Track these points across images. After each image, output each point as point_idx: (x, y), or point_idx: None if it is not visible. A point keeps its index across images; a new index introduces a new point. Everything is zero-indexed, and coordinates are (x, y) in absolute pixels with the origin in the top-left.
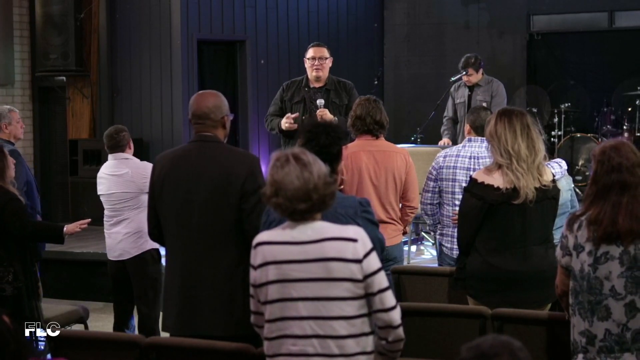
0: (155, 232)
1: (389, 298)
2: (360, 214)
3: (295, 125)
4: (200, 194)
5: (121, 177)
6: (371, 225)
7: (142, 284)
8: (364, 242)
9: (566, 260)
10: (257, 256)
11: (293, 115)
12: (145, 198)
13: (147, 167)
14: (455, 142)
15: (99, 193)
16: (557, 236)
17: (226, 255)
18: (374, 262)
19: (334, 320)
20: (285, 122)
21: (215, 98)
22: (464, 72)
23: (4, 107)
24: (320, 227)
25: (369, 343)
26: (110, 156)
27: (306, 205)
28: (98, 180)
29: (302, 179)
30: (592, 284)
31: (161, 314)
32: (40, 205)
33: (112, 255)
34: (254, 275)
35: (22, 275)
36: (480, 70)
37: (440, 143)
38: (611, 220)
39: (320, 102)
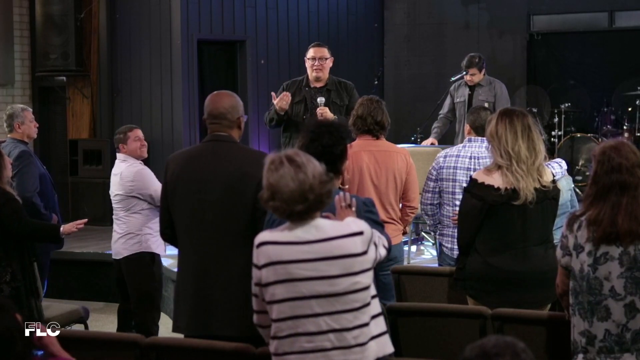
0: (167, 232)
1: (382, 243)
2: (363, 214)
3: (286, 103)
4: (215, 194)
5: (116, 177)
6: (375, 225)
7: (132, 285)
8: (366, 230)
9: (566, 260)
10: (261, 256)
11: (285, 97)
12: (135, 202)
13: (136, 171)
14: (445, 142)
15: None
16: (557, 236)
17: (240, 255)
18: (373, 242)
19: (348, 313)
20: (277, 103)
21: (232, 98)
22: (465, 72)
23: (18, 106)
24: (323, 226)
25: (378, 325)
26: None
27: (303, 206)
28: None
29: (297, 181)
30: (592, 284)
31: (162, 315)
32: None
33: (113, 254)
34: (259, 275)
35: (20, 275)
36: (483, 71)
37: (425, 142)
38: (611, 220)
39: (320, 100)
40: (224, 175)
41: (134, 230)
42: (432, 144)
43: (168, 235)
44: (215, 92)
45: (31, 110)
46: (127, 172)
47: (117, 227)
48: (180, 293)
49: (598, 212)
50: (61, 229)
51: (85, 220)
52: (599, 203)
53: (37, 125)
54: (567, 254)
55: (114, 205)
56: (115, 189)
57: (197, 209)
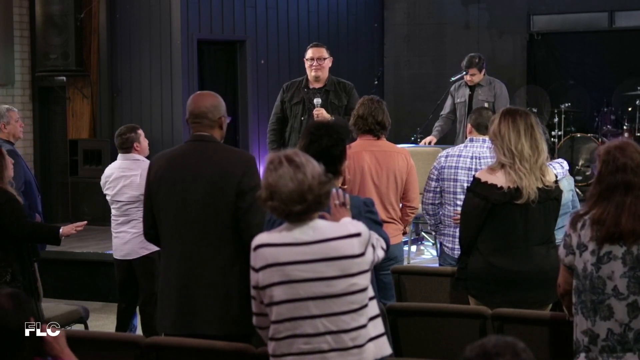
0: (151, 232)
1: (380, 244)
2: (364, 214)
3: None
4: (197, 193)
5: (130, 178)
6: (375, 225)
7: (149, 283)
8: (364, 232)
9: (569, 260)
10: (258, 259)
11: None
12: None
13: None
14: (446, 142)
15: (105, 192)
16: (558, 237)
17: (222, 254)
18: (371, 244)
19: (345, 315)
20: None
21: (213, 98)
22: (465, 73)
23: (3, 106)
24: (320, 227)
25: (376, 327)
26: (120, 156)
27: (302, 206)
28: (104, 180)
29: (296, 181)
30: (595, 283)
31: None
32: (41, 205)
33: (118, 255)
34: (256, 278)
35: (20, 276)
36: (483, 71)
37: (424, 141)
38: (614, 220)
39: (317, 101)
40: (206, 174)
41: None
42: (430, 142)
43: (152, 236)
44: (197, 92)
45: (17, 110)
46: None
47: (131, 228)
48: (164, 292)
49: (602, 211)
50: (61, 230)
51: (85, 222)
52: (603, 202)
53: (23, 125)
54: (571, 252)
55: (125, 207)
56: (132, 190)
57: (180, 208)
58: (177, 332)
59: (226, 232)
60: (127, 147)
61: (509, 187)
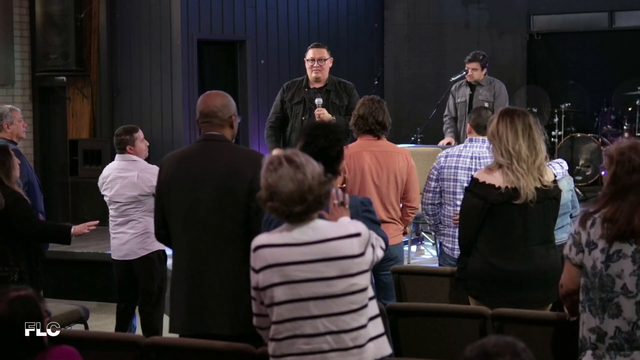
0: (162, 232)
1: (380, 244)
2: (361, 213)
3: None
4: (207, 193)
5: (127, 179)
6: (373, 224)
7: (148, 284)
8: (363, 232)
9: (580, 258)
10: (258, 259)
11: None
12: (152, 200)
13: (155, 170)
14: (458, 140)
15: (103, 193)
16: (558, 236)
17: (232, 254)
18: (370, 244)
19: (345, 315)
20: None
21: (223, 98)
22: (466, 72)
23: (6, 106)
24: (320, 227)
25: (376, 327)
26: (117, 156)
27: (302, 207)
28: (102, 181)
29: (296, 181)
30: (604, 281)
31: (165, 315)
32: (44, 205)
33: (117, 255)
34: (256, 279)
35: (27, 275)
36: (485, 70)
37: (442, 142)
38: (627, 219)
39: (318, 101)
40: (216, 173)
41: (151, 229)
42: (449, 143)
43: (162, 236)
44: (207, 92)
45: (19, 110)
46: (146, 173)
47: (130, 229)
48: (175, 293)
49: (615, 210)
50: (72, 229)
51: (97, 222)
52: (616, 202)
53: (26, 125)
54: (580, 250)
55: (122, 207)
56: (129, 190)
57: (190, 208)
58: (188, 332)
59: (236, 232)
60: (122, 148)
61: (506, 188)
